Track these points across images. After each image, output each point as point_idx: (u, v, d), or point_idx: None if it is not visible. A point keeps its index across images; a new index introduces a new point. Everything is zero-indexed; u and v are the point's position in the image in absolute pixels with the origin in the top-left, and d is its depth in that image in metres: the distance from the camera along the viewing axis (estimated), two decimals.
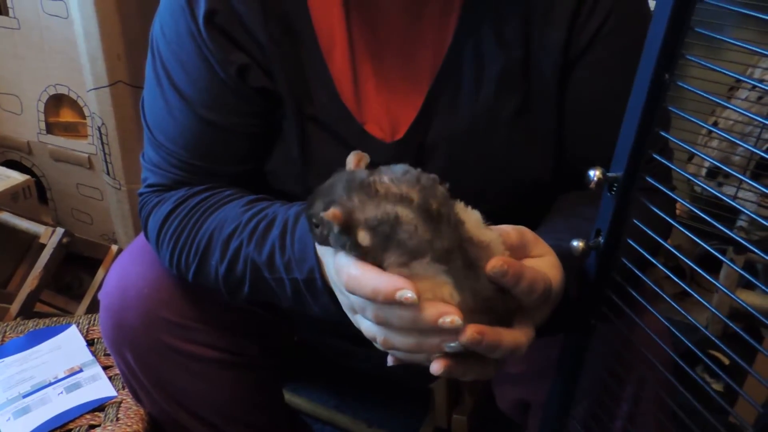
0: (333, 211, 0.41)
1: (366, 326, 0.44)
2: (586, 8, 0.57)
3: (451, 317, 0.40)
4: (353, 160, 0.46)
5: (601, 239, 0.44)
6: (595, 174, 0.41)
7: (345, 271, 0.42)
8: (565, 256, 0.48)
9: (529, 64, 0.59)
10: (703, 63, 0.40)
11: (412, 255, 0.40)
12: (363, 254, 0.42)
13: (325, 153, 0.60)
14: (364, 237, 0.41)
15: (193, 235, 0.58)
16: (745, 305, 0.41)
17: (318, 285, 0.51)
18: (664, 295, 0.44)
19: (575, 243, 0.44)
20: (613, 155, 0.43)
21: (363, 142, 0.60)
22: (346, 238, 0.41)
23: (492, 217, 0.51)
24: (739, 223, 1.35)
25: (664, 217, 0.42)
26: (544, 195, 0.65)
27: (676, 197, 0.50)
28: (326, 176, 0.60)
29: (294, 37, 0.58)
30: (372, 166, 0.60)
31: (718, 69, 0.41)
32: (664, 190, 0.44)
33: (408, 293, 0.39)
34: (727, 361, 1.16)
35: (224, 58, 0.57)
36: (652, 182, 0.41)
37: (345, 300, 0.46)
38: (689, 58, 0.40)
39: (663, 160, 0.43)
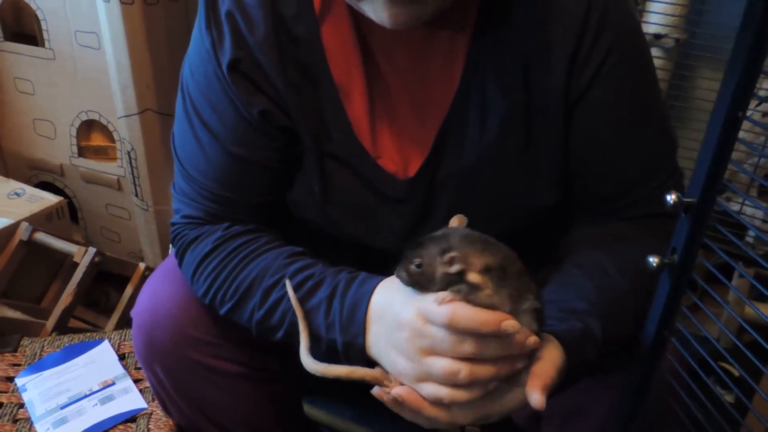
0: (450, 256, 0.49)
1: (443, 365, 0.50)
2: (584, 50, 0.60)
3: (534, 338, 0.50)
4: (455, 221, 0.54)
5: (676, 257, 0.48)
6: (671, 198, 0.45)
7: (450, 308, 0.49)
8: (574, 338, 0.55)
9: (531, 106, 0.62)
10: None
11: (514, 298, 0.49)
12: (470, 293, 0.49)
13: (342, 186, 0.64)
14: (475, 277, 0.49)
15: (233, 277, 0.62)
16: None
17: (358, 350, 0.55)
18: (748, 301, 0.47)
19: (651, 259, 0.49)
20: (629, 191, 0.47)
21: (378, 176, 0.64)
22: (459, 278, 0.49)
23: (503, 240, 0.56)
24: (747, 238, 1.37)
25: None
26: (553, 215, 0.68)
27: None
28: (344, 206, 0.65)
29: (312, 80, 0.62)
30: (387, 198, 0.65)
31: None
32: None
33: (512, 322, 0.48)
34: (737, 373, 1.18)
35: (247, 101, 0.62)
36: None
37: (420, 343, 0.50)
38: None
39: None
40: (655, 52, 1.46)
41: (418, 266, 0.50)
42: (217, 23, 0.62)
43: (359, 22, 0.61)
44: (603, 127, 0.63)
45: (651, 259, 0.48)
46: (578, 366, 0.55)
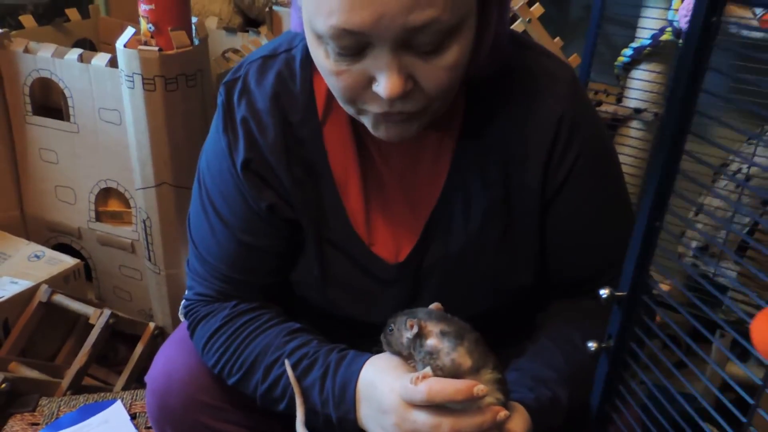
0: (411, 323, 0.59)
1: None
2: (557, 155, 0.68)
3: (504, 412, 0.57)
4: (434, 306, 0.63)
5: (611, 342, 0.56)
6: (604, 293, 0.54)
7: (426, 385, 0.56)
8: (542, 406, 0.62)
9: (510, 201, 0.69)
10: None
11: (474, 356, 0.58)
12: (431, 357, 0.58)
13: (339, 270, 0.72)
14: (432, 341, 0.58)
15: (239, 353, 0.70)
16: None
17: (350, 423, 0.63)
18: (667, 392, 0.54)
19: (590, 344, 0.56)
20: (600, 274, 0.58)
21: (372, 262, 0.72)
22: (419, 342, 0.58)
23: (483, 316, 0.63)
24: (727, 300, 1.44)
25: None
26: (531, 295, 0.75)
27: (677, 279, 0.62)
28: (341, 288, 0.73)
29: (314, 177, 0.70)
30: (380, 280, 0.73)
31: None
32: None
33: (481, 386, 0.56)
34: None
35: (257, 196, 0.70)
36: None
37: (404, 427, 0.58)
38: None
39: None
40: (635, 125, 1.56)
41: (390, 330, 0.61)
42: (233, 127, 0.71)
43: (357, 124, 0.69)
44: (574, 220, 0.71)
45: (590, 344, 0.56)
46: (545, 431, 0.62)
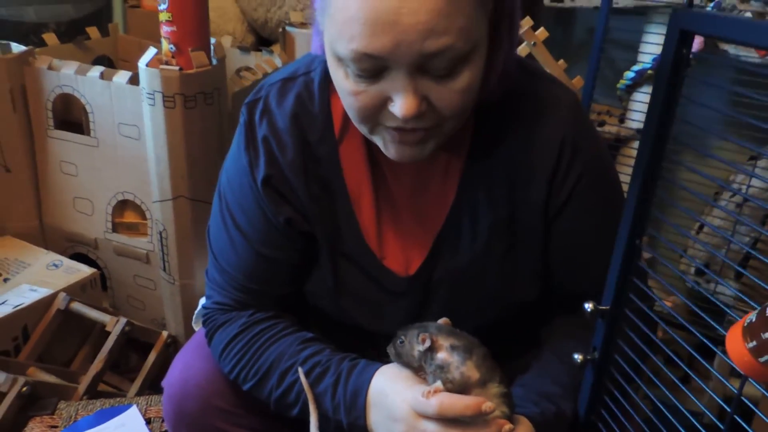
0: (423, 337, 0.62)
1: None
2: (560, 175, 0.71)
3: (509, 426, 0.60)
4: (442, 321, 0.66)
5: (596, 354, 0.59)
6: (589, 307, 0.57)
7: (438, 399, 0.59)
8: (547, 420, 0.65)
9: (515, 218, 0.73)
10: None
11: (481, 370, 0.61)
12: (441, 371, 0.61)
13: (352, 281, 0.76)
14: (443, 355, 0.61)
15: (255, 360, 0.74)
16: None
17: (360, 429, 0.66)
18: (645, 404, 0.58)
19: (576, 356, 0.60)
20: (602, 289, 0.59)
21: (383, 274, 0.75)
22: (430, 355, 0.61)
23: (489, 328, 0.66)
24: (728, 317, 1.46)
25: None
26: (535, 308, 0.79)
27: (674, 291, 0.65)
28: (353, 298, 0.77)
29: (330, 192, 0.75)
30: (390, 292, 0.77)
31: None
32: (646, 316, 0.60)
33: (489, 403, 0.58)
34: None
35: (276, 210, 0.74)
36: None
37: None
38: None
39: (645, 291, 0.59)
40: (638, 145, 1.60)
41: (401, 342, 0.64)
42: (254, 146, 0.75)
43: (371, 143, 0.73)
44: (576, 237, 0.75)
45: (576, 356, 0.59)
46: None
